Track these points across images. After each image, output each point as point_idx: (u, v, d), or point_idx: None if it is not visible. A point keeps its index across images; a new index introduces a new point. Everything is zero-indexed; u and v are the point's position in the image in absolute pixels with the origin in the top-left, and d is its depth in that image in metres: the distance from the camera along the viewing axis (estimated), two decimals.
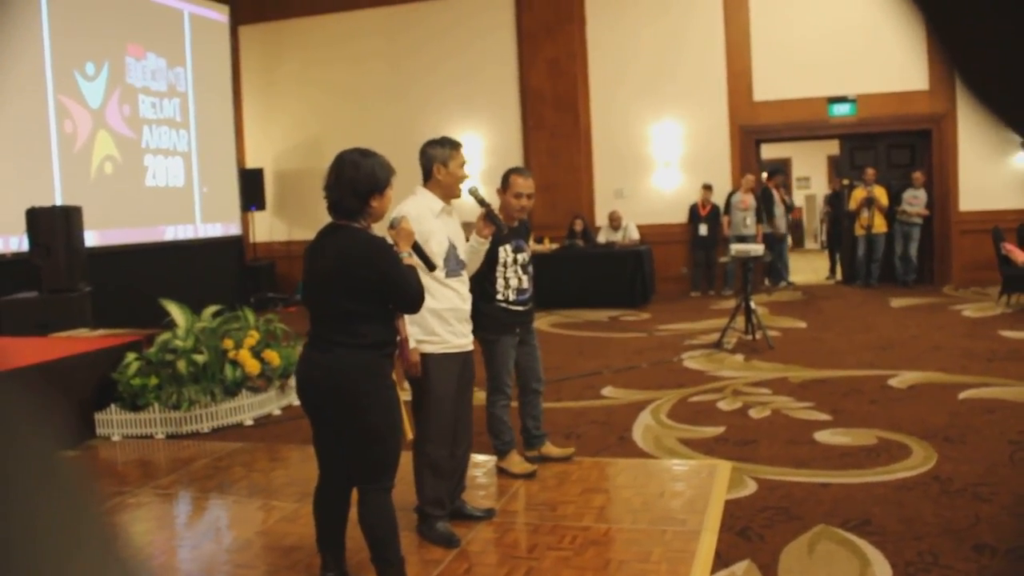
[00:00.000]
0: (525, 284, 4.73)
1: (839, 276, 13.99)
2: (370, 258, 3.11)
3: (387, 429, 3.15)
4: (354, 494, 3.28)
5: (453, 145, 4.04)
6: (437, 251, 3.76)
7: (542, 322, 10.36)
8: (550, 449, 5.05)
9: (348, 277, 3.10)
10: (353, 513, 3.30)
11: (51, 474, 0.43)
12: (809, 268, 15.56)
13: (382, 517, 3.17)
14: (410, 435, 3.54)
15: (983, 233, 11.46)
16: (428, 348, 3.85)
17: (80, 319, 7.86)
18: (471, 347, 4.10)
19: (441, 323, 3.87)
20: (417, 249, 3.45)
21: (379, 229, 3.34)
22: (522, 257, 4.73)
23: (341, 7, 14.52)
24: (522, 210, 4.66)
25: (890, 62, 12.15)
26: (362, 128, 13.84)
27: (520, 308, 4.72)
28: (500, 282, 4.63)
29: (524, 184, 4.68)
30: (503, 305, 4.63)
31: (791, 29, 12.52)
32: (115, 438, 6.11)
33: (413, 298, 3.18)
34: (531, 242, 5.16)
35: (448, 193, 4.01)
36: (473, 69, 13.90)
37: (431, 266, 3.53)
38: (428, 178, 4.00)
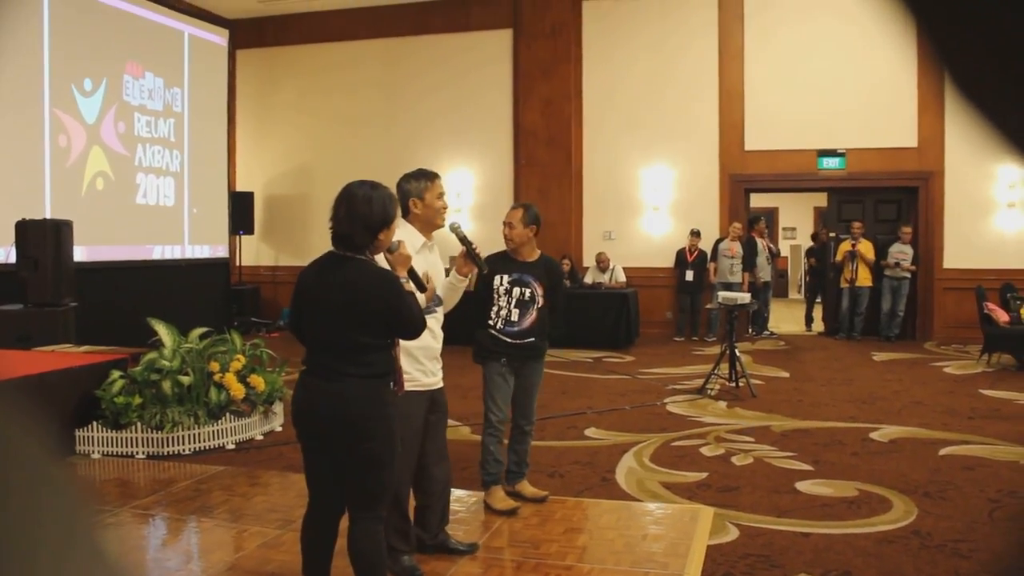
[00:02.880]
0: (515, 317, 4.75)
1: (816, 328, 14.09)
2: (382, 292, 3.12)
3: (389, 455, 3.15)
4: (343, 524, 3.27)
5: (428, 176, 4.00)
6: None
7: None
8: (524, 487, 5.02)
9: (361, 311, 3.11)
10: (340, 542, 3.29)
11: (43, 479, 0.43)
12: (792, 318, 15.66)
13: (375, 547, 3.17)
14: None
15: (966, 291, 11.60)
16: None
17: (64, 334, 7.82)
18: (440, 385, 4.05)
19: (410, 360, 3.82)
20: (411, 272, 3.47)
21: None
22: (519, 291, 4.76)
23: (340, 37, 14.62)
24: (507, 239, 4.73)
25: (880, 119, 12.37)
26: (354, 158, 13.89)
27: (507, 339, 4.75)
28: (493, 308, 4.73)
29: (508, 214, 4.80)
30: (492, 332, 4.71)
31: (785, 82, 12.72)
32: (95, 456, 6.06)
33: (416, 327, 3.21)
34: (563, 283, 5.20)
35: (428, 226, 3.99)
36: (468, 104, 14.01)
37: (422, 287, 3.54)
38: (406, 213, 3.96)
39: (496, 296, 4.72)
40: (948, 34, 0.50)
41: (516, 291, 4.76)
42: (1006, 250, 12.18)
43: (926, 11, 0.50)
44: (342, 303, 3.13)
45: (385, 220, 3.19)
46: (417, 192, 3.95)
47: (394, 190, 3.91)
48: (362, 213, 3.15)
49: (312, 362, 3.20)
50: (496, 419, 4.80)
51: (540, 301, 4.80)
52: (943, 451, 6.22)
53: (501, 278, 4.71)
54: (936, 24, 0.50)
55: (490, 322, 4.72)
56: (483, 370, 4.77)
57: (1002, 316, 10.25)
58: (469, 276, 4.09)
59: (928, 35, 0.50)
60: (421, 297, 3.49)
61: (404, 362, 3.80)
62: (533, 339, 4.82)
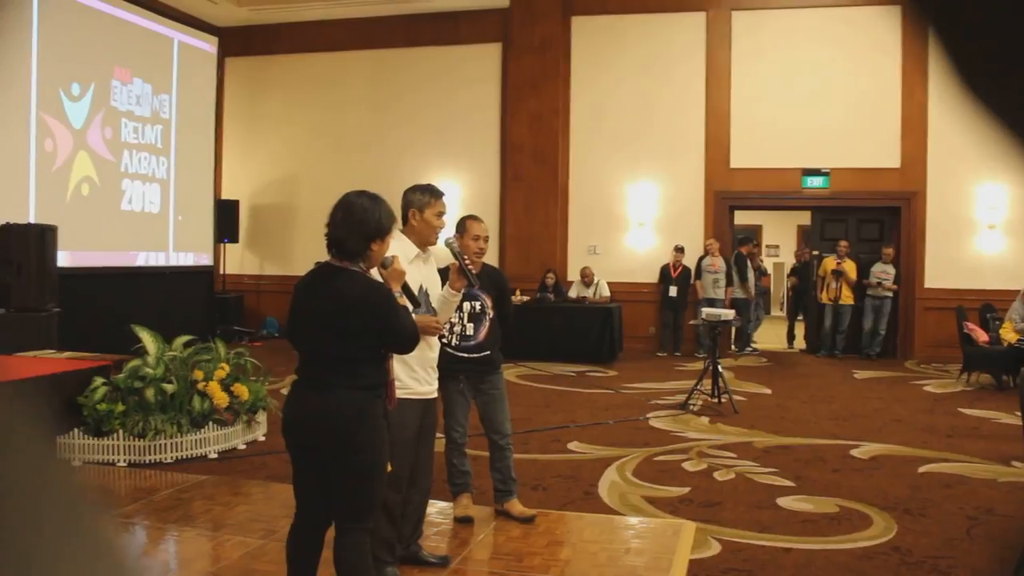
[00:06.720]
0: (470, 331, 4.76)
1: (798, 345, 14.18)
2: (372, 304, 3.13)
3: (377, 468, 3.15)
4: (328, 535, 3.26)
5: (433, 193, 4.02)
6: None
7: (509, 373, 10.38)
8: (513, 506, 4.99)
9: (349, 322, 3.11)
10: (325, 554, 3.28)
11: (49, 475, 0.44)
12: (775, 335, 15.72)
13: (362, 557, 3.16)
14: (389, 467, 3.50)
15: (947, 311, 11.69)
16: None
17: (47, 340, 7.78)
18: (435, 394, 4.07)
19: (405, 369, 3.83)
20: (405, 288, 3.47)
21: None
22: (470, 305, 4.76)
23: (329, 47, 14.64)
24: (480, 252, 4.63)
25: (864, 139, 12.50)
26: (340, 169, 13.89)
27: (464, 355, 4.75)
28: (447, 325, 4.66)
29: (480, 227, 4.68)
30: (448, 349, 4.66)
31: (770, 101, 12.83)
32: (75, 463, 6.02)
33: (409, 341, 3.21)
34: (517, 295, 5.14)
35: (422, 240, 4.00)
36: (456, 118, 14.05)
37: (416, 303, 3.55)
38: (404, 222, 3.98)
39: None
40: (958, 34, 0.51)
41: (467, 305, 4.75)
42: (986, 271, 12.30)
43: (936, 11, 0.51)
44: (331, 314, 3.13)
45: (380, 231, 3.20)
46: (419, 205, 3.96)
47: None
48: (358, 220, 3.17)
49: (302, 372, 3.21)
50: (457, 435, 4.82)
51: (491, 312, 4.81)
52: (923, 468, 6.27)
53: None
54: (947, 24, 0.51)
55: (444, 340, 4.63)
56: (441, 389, 4.66)
57: (981, 336, 10.34)
58: (461, 291, 4.09)
59: (939, 33, 0.50)
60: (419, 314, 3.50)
61: (398, 370, 3.79)
62: (488, 352, 4.81)
